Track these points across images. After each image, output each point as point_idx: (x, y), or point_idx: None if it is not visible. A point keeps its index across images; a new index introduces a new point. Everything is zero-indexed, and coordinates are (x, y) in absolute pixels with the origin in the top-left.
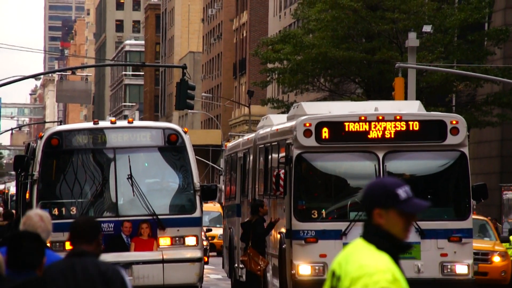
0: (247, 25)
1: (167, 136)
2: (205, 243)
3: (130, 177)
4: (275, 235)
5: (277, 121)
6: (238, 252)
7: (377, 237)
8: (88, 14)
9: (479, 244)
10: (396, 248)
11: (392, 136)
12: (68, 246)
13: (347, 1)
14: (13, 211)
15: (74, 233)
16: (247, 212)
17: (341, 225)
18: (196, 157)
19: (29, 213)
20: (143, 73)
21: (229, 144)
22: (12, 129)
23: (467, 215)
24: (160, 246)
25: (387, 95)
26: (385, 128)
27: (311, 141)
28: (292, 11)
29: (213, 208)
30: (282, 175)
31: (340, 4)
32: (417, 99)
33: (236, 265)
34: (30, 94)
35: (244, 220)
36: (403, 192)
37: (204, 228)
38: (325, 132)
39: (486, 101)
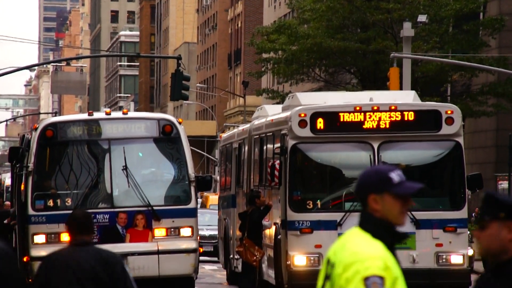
0: (242, 15)
1: (161, 127)
2: None
3: (125, 168)
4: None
5: (272, 112)
6: (234, 243)
7: (372, 225)
8: (83, 4)
9: None
10: (392, 237)
11: (387, 126)
12: (62, 237)
13: None
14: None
15: (75, 226)
16: (242, 203)
17: (336, 216)
18: (191, 148)
19: None
20: (138, 64)
21: (224, 135)
22: (6, 121)
23: (462, 205)
24: (155, 237)
25: (382, 85)
26: (380, 118)
27: (306, 132)
28: (287, 1)
29: None
30: (277, 166)
31: None
32: (412, 89)
33: (232, 256)
34: (25, 85)
35: (240, 210)
36: (396, 175)
37: None
38: (320, 123)
39: (481, 91)
